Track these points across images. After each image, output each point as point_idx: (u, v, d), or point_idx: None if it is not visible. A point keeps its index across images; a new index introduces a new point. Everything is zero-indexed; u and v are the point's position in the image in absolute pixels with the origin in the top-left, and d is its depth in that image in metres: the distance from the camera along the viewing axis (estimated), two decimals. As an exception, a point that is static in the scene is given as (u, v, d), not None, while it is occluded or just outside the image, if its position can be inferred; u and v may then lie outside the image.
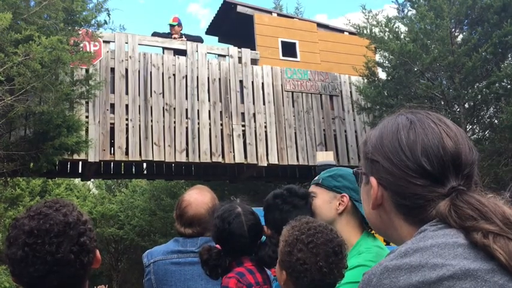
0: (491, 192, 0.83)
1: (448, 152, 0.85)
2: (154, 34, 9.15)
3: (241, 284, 1.70)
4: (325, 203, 1.83)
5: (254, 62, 9.34)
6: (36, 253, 1.14)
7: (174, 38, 9.09)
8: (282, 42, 9.70)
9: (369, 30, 8.58)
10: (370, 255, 1.64)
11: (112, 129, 7.89)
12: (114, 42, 8.32)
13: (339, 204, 1.79)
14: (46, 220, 1.18)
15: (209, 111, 8.61)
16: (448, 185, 0.84)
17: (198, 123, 8.46)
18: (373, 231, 2.29)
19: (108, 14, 6.93)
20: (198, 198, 2.21)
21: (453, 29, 8.09)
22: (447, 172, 0.85)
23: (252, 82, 9.13)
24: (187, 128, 8.37)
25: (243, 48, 9.28)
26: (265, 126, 8.96)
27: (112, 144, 7.94)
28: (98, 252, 1.29)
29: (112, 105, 7.99)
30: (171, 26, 9.29)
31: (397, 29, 8.49)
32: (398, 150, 0.88)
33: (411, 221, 0.88)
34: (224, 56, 9.18)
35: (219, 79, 8.90)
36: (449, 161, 0.85)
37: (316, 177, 1.95)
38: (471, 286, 0.70)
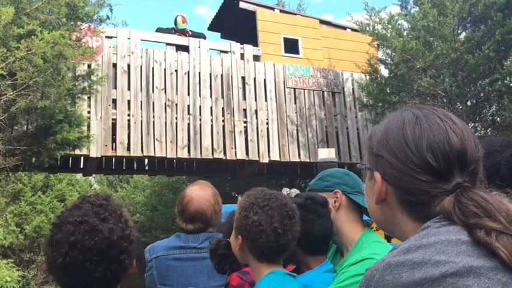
0: (496, 190, 0.83)
1: (454, 148, 0.85)
2: (158, 30, 9.14)
3: (243, 282, 1.71)
4: None
5: (256, 58, 9.33)
6: (76, 267, 1.15)
7: (179, 35, 9.05)
8: (285, 38, 9.68)
9: (371, 27, 8.57)
10: (373, 249, 1.65)
11: (114, 125, 7.90)
12: (116, 37, 8.32)
13: (334, 201, 1.81)
14: (91, 236, 1.17)
15: (211, 108, 8.61)
16: (453, 181, 0.84)
17: (200, 120, 8.46)
18: (373, 227, 2.30)
19: (111, 10, 6.92)
20: (200, 194, 2.20)
21: (456, 27, 8.06)
22: (452, 168, 0.84)
23: (254, 78, 9.12)
24: (189, 124, 8.37)
25: (245, 45, 9.27)
26: (267, 123, 8.95)
27: (114, 140, 7.95)
28: (134, 262, 1.28)
29: (114, 101, 8.00)
30: (181, 29, 9.15)
31: (399, 26, 8.47)
32: (404, 145, 0.87)
33: (415, 217, 0.87)
34: (226, 52, 9.17)
35: (221, 75, 8.89)
36: (454, 157, 0.84)
37: (309, 185, 2.00)
38: (474, 283, 0.70)
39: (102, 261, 1.17)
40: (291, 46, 9.71)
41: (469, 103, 8.13)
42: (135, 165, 9.79)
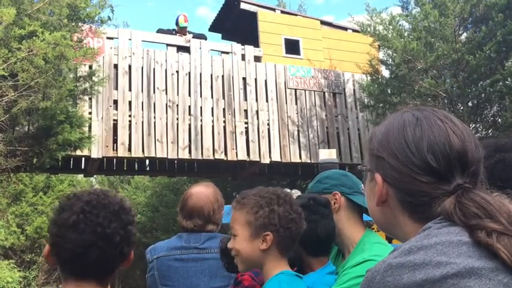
0: (497, 191, 0.83)
1: (454, 149, 0.85)
2: (159, 31, 9.14)
3: (255, 283, 1.71)
4: None
5: (257, 59, 9.33)
6: (89, 221, 1.16)
7: (180, 35, 9.06)
8: (285, 39, 9.67)
9: (372, 28, 8.56)
10: (375, 250, 1.65)
11: (115, 126, 7.90)
12: (117, 38, 8.33)
13: (334, 203, 1.82)
14: (105, 197, 1.22)
15: (212, 108, 8.61)
16: (454, 183, 0.84)
17: (201, 120, 8.46)
18: (374, 228, 2.30)
19: (112, 11, 6.94)
20: (200, 190, 2.23)
21: (457, 27, 8.06)
22: (453, 169, 0.85)
23: (255, 79, 9.12)
24: (190, 124, 8.37)
25: (246, 45, 9.27)
26: (268, 124, 8.95)
27: (115, 141, 7.96)
28: (132, 252, 1.30)
29: (115, 102, 8.00)
30: (182, 27, 9.15)
31: (400, 27, 8.46)
32: (404, 146, 0.87)
33: (416, 218, 0.87)
34: (227, 53, 9.17)
35: (222, 76, 8.89)
36: (455, 159, 0.85)
37: (308, 188, 2.01)
38: (475, 284, 0.70)
39: (114, 221, 1.19)
40: (292, 47, 9.70)
41: (470, 104, 8.12)
42: (136, 166, 9.79)
